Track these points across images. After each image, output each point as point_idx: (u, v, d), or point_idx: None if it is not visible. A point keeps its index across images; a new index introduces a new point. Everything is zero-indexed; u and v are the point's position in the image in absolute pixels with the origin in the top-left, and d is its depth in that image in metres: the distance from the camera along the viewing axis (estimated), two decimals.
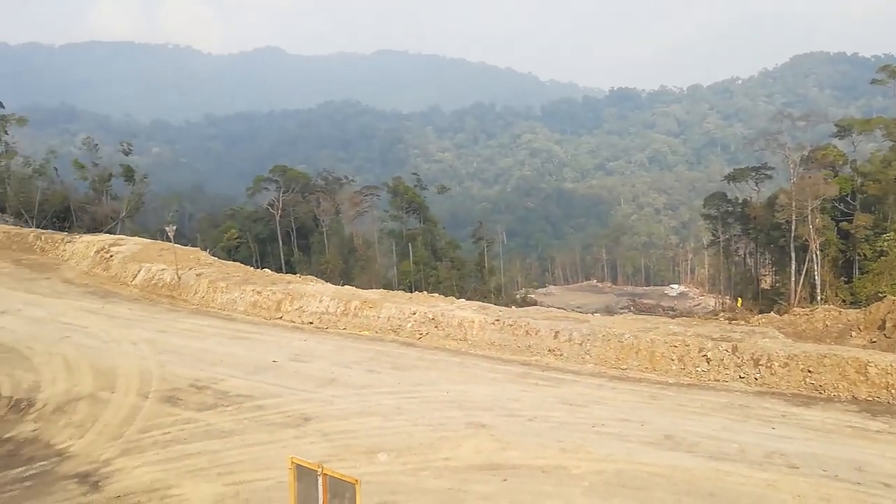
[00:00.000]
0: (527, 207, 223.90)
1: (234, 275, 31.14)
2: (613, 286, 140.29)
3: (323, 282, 32.43)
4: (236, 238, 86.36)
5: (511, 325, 22.17)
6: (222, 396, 18.07)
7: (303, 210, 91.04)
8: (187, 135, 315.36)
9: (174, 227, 33.08)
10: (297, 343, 23.15)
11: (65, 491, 13.52)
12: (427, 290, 40.33)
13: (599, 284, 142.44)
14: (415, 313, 23.95)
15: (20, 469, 14.68)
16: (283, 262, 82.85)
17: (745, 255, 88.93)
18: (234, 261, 43.04)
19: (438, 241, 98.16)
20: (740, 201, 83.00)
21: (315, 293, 26.91)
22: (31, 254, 41.45)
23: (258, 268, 40.22)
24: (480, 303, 27.14)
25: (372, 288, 36.61)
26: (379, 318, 24.55)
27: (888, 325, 30.34)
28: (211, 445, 15.10)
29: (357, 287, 32.62)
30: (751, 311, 61.28)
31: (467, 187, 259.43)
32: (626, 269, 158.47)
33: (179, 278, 31.00)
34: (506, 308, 26.82)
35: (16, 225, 54.74)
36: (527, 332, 21.73)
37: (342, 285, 33.53)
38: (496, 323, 22.42)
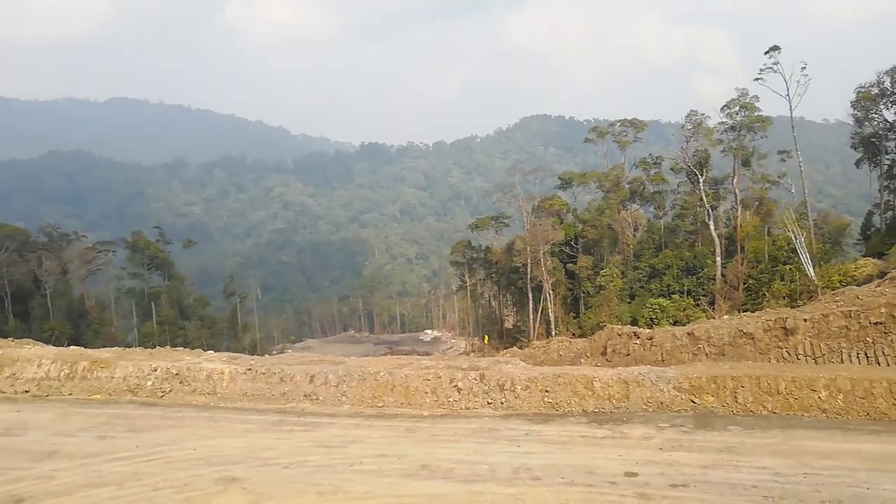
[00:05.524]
0: (281, 261, 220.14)
1: None
2: (371, 335, 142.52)
3: (43, 344, 28.37)
4: None
5: (264, 374, 21.14)
6: None
7: (20, 271, 79.70)
8: None
9: None
10: (7, 416, 19.72)
11: None
12: None
13: (357, 335, 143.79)
14: (156, 370, 21.81)
15: None
16: None
17: (489, 297, 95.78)
18: None
19: (186, 299, 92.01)
20: (483, 248, 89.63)
21: (32, 357, 23.34)
22: None
23: None
24: (231, 353, 25.62)
25: None
26: (113, 378, 21.93)
27: (608, 350, 34.41)
28: None
29: None
30: (496, 348, 65.90)
31: (218, 242, 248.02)
32: (383, 318, 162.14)
33: None
34: (258, 357, 25.62)
35: None
36: (281, 379, 20.87)
37: None
38: (248, 372, 21.24)
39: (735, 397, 17.88)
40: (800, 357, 27.38)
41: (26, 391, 22.09)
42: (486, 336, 76.27)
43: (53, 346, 31.31)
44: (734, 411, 17.64)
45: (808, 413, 17.13)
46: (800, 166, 66.24)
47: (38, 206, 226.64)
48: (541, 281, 70.20)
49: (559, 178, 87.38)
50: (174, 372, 21.61)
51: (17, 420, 19.34)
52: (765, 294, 58.03)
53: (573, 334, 60.23)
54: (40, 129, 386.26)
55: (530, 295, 73.03)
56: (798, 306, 38.77)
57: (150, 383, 21.52)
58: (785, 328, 28.08)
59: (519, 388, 19.04)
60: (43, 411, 20.19)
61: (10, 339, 31.60)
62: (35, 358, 23.31)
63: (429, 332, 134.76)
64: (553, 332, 65.76)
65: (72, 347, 26.90)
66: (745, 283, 63.04)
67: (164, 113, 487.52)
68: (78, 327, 78.58)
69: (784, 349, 27.94)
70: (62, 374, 22.41)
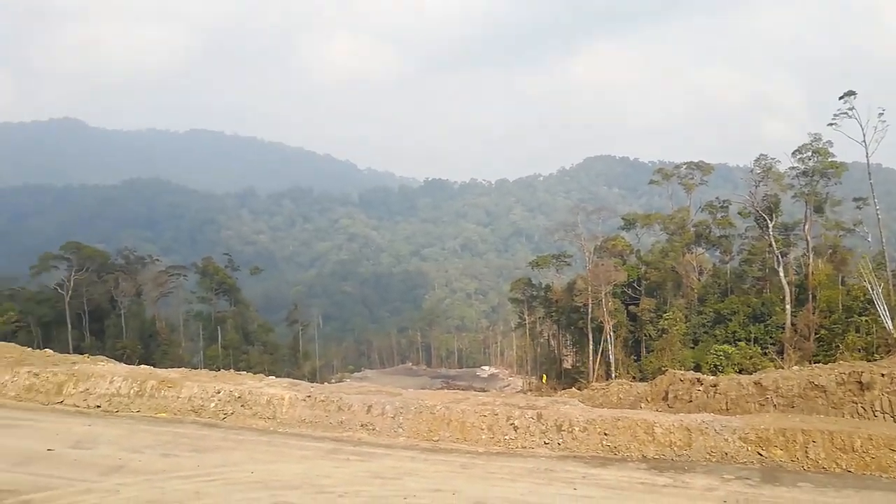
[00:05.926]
0: (343, 291, 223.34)
1: (4, 356, 27.36)
2: (428, 369, 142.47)
3: (115, 362, 29.52)
4: (15, 322, 76.49)
5: (323, 401, 21.38)
6: None
7: (98, 291, 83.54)
8: None
9: None
10: (79, 429, 20.51)
11: None
12: None
13: (415, 367, 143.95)
14: (219, 392, 22.34)
15: None
16: (71, 348, 74.65)
17: (548, 336, 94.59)
18: None
19: (250, 325, 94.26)
20: (543, 286, 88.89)
21: (105, 373, 24.27)
22: None
23: None
24: (291, 380, 26.07)
25: None
26: (179, 398, 22.56)
27: (670, 395, 33.42)
28: None
29: None
30: (554, 388, 64.83)
31: (283, 270, 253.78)
32: (441, 352, 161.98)
33: None
34: (317, 384, 25.97)
35: None
36: (339, 407, 21.06)
37: None
38: (307, 399, 21.52)
39: (806, 452, 17.08)
40: (877, 414, 25.95)
41: (98, 406, 22.93)
42: (545, 375, 75.19)
43: (125, 364, 32.59)
44: (804, 467, 16.83)
45: (886, 474, 16.19)
46: (877, 214, 63.49)
47: (118, 230, 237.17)
48: (601, 322, 69.00)
49: (622, 218, 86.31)
50: (236, 395, 22.09)
51: (88, 434, 20.09)
52: (838, 346, 55.44)
53: (633, 378, 58.74)
54: (123, 158, 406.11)
55: (590, 336, 71.82)
56: (875, 360, 36.91)
57: (213, 405, 22.03)
58: (860, 382, 26.70)
59: (577, 429, 18.69)
60: (112, 426, 20.91)
61: (86, 355, 33.03)
62: (108, 374, 24.23)
63: (486, 368, 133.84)
64: (613, 375, 64.33)
65: (142, 366, 27.93)
66: (816, 334, 60.46)
67: (237, 144, 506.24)
68: (148, 347, 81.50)
69: (859, 404, 26.51)
70: (132, 391, 23.20)
